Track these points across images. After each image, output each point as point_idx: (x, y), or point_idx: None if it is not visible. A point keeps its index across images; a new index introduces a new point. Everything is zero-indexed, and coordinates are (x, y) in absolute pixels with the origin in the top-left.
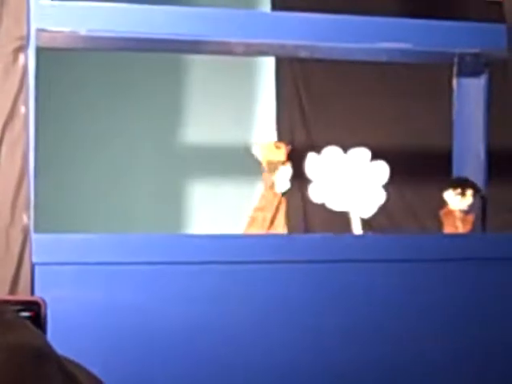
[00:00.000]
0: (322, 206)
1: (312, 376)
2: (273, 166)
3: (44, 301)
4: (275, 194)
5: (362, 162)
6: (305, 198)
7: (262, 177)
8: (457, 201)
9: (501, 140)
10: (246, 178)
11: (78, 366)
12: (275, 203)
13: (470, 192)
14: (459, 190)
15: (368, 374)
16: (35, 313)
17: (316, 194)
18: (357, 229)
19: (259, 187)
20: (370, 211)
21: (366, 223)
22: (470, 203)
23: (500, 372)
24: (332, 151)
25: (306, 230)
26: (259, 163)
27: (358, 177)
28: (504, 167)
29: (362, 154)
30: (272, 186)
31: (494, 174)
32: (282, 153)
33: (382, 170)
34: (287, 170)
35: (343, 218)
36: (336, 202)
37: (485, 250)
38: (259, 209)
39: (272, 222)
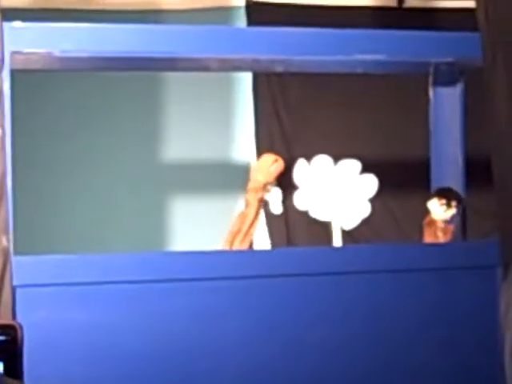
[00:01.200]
0: (304, 215)
1: None
2: (263, 185)
3: (20, 325)
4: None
5: (352, 174)
6: (286, 207)
7: (248, 195)
8: (441, 211)
9: (477, 147)
10: (226, 193)
11: None
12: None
13: (454, 203)
14: (444, 201)
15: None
16: (12, 337)
17: (301, 201)
18: (337, 240)
19: (240, 201)
20: (352, 223)
21: (347, 233)
22: (453, 214)
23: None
24: (322, 160)
25: (288, 239)
26: (242, 178)
27: (345, 188)
28: (480, 174)
29: (352, 165)
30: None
31: (471, 181)
32: (275, 169)
33: (370, 184)
34: (278, 192)
35: (324, 228)
36: (320, 212)
37: (465, 258)
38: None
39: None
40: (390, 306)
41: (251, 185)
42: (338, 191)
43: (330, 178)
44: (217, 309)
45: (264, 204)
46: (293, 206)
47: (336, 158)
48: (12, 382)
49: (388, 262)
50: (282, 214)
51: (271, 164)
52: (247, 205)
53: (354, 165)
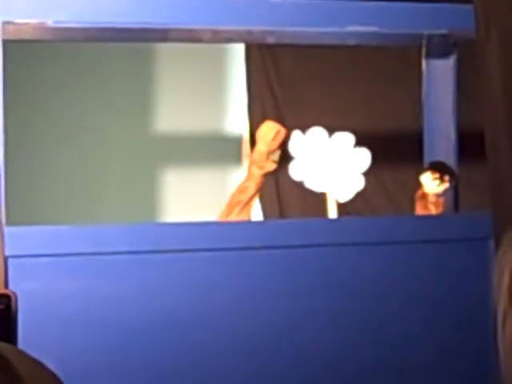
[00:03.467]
0: (297, 186)
1: (292, 360)
2: (266, 155)
3: (15, 294)
4: (259, 178)
5: (345, 147)
6: (278, 179)
7: (250, 167)
8: (434, 185)
9: (470, 119)
10: (219, 166)
11: (34, 364)
12: (255, 187)
13: (447, 178)
14: (438, 175)
15: (347, 358)
16: (6, 306)
17: (296, 171)
18: (332, 211)
19: (232, 174)
20: (347, 196)
21: (341, 206)
22: (445, 188)
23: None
24: (317, 132)
25: (280, 211)
26: (234, 150)
27: (339, 161)
28: (473, 147)
29: (346, 138)
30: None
31: (463, 154)
32: (279, 137)
33: (363, 157)
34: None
35: (317, 201)
36: (315, 183)
37: (458, 230)
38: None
39: (248, 203)
40: (383, 278)
41: (254, 156)
42: (333, 163)
43: (325, 150)
44: (210, 280)
45: (265, 176)
46: (285, 178)
47: (329, 130)
48: (4, 346)
49: (381, 234)
50: (274, 185)
51: (273, 132)
52: (249, 177)
53: (348, 138)
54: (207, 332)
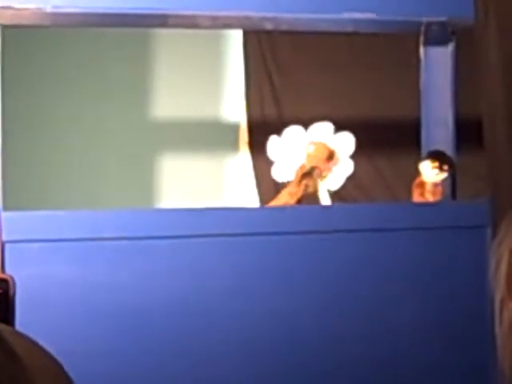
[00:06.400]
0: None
1: (287, 346)
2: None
3: (12, 278)
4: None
5: (325, 136)
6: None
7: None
8: (433, 174)
9: (469, 107)
10: (216, 152)
11: (32, 344)
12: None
13: (446, 167)
14: (437, 164)
15: (343, 344)
16: (4, 290)
17: (279, 174)
18: (325, 201)
19: (228, 161)
20: (338, 183)
21: (335, 192)
22: (444, 178)
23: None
24: (292, 130)
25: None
26: (231, 137)
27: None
28: (471, 135)
29: (324, 128)
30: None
31: (461, 142)
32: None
33: (347, 141)
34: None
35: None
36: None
37: (455, 218)
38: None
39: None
40: (380, 265)
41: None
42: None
43: (304, 145)
44: (206, 266)
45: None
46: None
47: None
48: (1, 327)
49: (378, 221)
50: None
51: (322, 152)
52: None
53: (326, 127)
54: (202, 317)
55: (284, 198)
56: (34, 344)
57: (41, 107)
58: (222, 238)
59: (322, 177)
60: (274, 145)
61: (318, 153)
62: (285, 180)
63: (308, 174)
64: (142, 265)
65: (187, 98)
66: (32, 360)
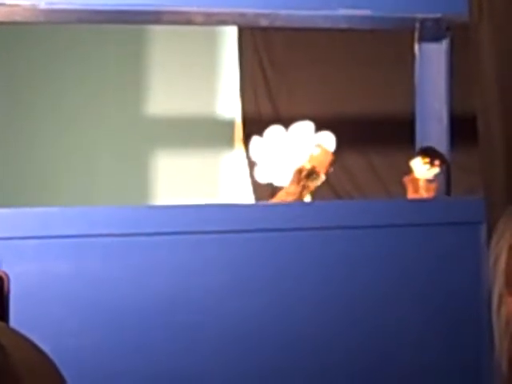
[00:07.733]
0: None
1: (280, 340)
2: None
3: (7, 275)
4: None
5: (306, 135)
6: None
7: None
8: (424, 170)
9: (463, 103)
10: (210, 149)
11: (22, 339)
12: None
13: (437, 162)
14: (428, 160)
15: (336, 339)
16: None
17: (262, 175)
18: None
19: (223, 157)
20: (319, 180)
21: (331, 187)
22: (436, 173)
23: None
24: (273, 130)
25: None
26: (225, 133)
27: (302, 150)
28: (465, 131)
29: (305, 127)
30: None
31: (455, 137)
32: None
33: (327, 140)
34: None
35: None
36: (282, 179)
37: (450, 214)
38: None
39: None
40: (374, 261)
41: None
42: (295, 155)
43: (286, 145)
44: (200, 263)
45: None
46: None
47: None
48: None
49: (372, 217)
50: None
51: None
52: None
53: (307, 126)
54: (197, 313)
55: (282, 198)
56: (24, 339)
57: (35, 104)
58: (217, 235)
59: (317, 179)
60: (256, 146)
61: (322, 157)
62: (268, 181)
63: (309, 174)
64: (137, 261)
65: (182, 94)
66: (19, 352)
